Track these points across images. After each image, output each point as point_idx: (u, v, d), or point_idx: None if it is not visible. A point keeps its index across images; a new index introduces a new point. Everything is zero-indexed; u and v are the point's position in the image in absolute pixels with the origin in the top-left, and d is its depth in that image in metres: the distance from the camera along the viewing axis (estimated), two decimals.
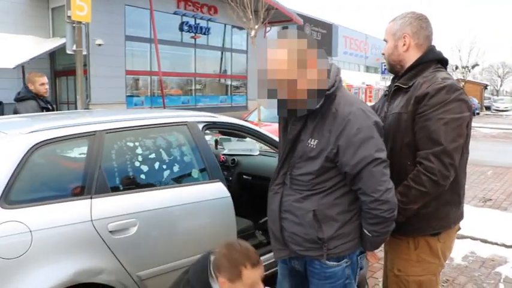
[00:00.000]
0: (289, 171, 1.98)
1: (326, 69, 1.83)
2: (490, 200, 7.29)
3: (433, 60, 2.22)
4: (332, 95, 1.87)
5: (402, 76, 2.25)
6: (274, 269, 3.11)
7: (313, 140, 1.86)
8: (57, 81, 19.96)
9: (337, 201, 1.91)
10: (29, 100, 5.25)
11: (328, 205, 1.91)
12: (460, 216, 2.28)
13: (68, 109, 18.77)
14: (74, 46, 10.00)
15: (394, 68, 2.33)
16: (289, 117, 1.98)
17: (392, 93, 2.30)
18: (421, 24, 2.22)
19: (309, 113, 1.85)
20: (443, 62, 2.26)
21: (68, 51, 10.10)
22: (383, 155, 1.85)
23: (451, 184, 2.09)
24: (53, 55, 18.94)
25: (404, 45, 2.23)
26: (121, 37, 19.08)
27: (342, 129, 1.80)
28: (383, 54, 2.38)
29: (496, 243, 5.12)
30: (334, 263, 1.98)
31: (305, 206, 1.92)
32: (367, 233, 1.94)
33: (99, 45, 16.98)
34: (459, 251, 4.84)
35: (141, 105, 20.83)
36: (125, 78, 19.74)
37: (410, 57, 2.24)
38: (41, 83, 5.39)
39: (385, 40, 2.35)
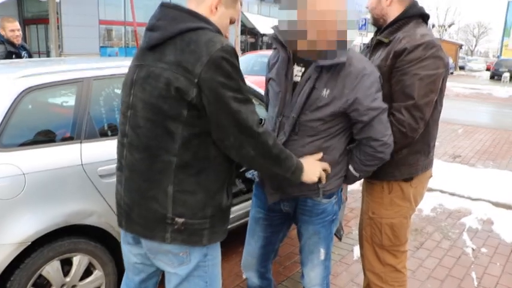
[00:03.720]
0: (296, 116, 2.01)
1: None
2: (460, 156, 7.59)
3: (415, 15, 2.27)
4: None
5: (384, 30, 2.31)
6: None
7: (326, 90, 1.94)
8: (27, 29, 19.28)
9: (336, 145, 2.05)
10: None
11: (329, 148, 2.04)
12: (429, 164, 2.43)
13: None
14: None
15: (377, 22, 2.38)
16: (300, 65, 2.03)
17: (373, 47, 2.37)
18: None
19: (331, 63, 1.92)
20: (424, 17, 2.31)
21: None
22: (386, 104, 2.02)
23: (422, 135, 2.21)
24: (21, 1, 18.22)
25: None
26: None
27: (358, 82, 1.92)
28: (367, 7, 2.41)
29: (463, 196, 5.42)
30: (326, 200, 2.13)
31: (308, 150, 2.02)
32: (355, 173, 2.12)
33: None
34: (428, 203, 5.10)
35: (115, 56, 20.40)
36: (98, 28, 19.23)
37: (393, 11, 2.28)
38: (11, 29, 5.21)
39: None
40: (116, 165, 1.86)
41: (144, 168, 1.68)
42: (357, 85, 1.92)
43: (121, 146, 1.79)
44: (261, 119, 1.64)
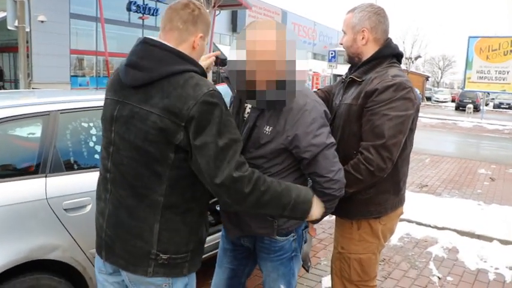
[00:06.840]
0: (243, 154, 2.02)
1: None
2: (426, 186, 7.77)
3: (389, 55, 2.32)
4: None
5: (358, 68, 2.35)
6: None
7: (268, 127, 1.95)
8: None
9: (285, 181, 1.99)
10: None
11: None
12: (399, 203, 2.45)
13: (10, 87, 17.98)
14: (16, 22, 9.61)
15: (352, 60, 2.41)
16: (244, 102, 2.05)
17: (347, 84, 2.40)
18: (379, 19, 2.30)
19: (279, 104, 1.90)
20: (398, 56, 2.37)
21: (9, 27, 9.70)
22: (333, 139, 2.00)
23: (391, 174, 2.25)
24: None
25: (363, 38, 2.30)
26: (65, 14, 18.39)
27: (298, 119, 1.91)
28: (341, 44, 2.44)
29: (429, 226, 5.52)
30: (283, 238, 2.12)
31: None
32: None
33: (42, 21, 16.26)
34: (396, 232, 5.11)
35: (86, 85, 20.25)
36: (69, 58, 19.09)
37: (369, 50, 2.32)
38: None
39: (343, 31, 2.39)
40: (96, 195, 1.88)
41: (129, 205, 1.68)
42: (297, 121, 1.91)
43: (104, 180, 1.80)
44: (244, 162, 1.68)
